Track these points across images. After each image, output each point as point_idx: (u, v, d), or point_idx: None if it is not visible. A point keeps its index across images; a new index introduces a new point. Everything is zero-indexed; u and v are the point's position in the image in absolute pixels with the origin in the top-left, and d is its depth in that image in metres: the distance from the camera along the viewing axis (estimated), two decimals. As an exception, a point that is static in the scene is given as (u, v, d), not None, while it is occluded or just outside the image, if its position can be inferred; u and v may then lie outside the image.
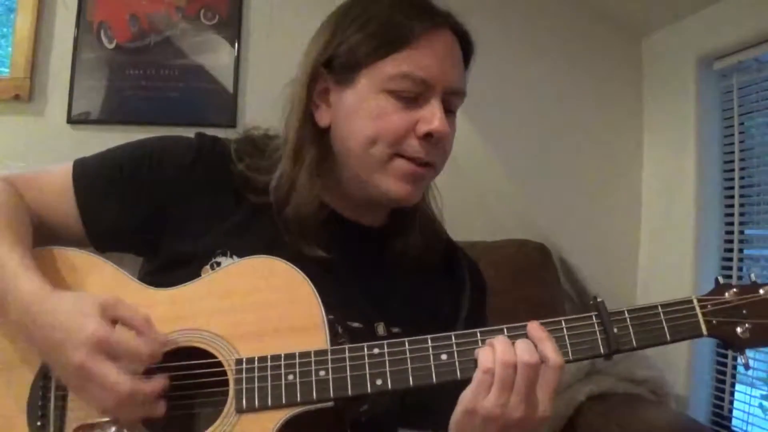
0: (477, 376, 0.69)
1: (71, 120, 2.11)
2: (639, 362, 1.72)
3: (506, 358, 0.68)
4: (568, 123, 2.21)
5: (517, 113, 2.19)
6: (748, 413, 1.79)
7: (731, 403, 1.85)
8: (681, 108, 2.01)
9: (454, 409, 0.73)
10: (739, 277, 1.89)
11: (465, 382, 0.71)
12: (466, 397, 0.70)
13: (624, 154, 2.24)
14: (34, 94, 2.12)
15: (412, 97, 0.80)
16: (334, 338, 0.78)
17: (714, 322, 0.72)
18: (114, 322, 0.70)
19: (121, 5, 2.15)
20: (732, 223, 1.91)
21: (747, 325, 0.71)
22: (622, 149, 2.24)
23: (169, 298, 0.78)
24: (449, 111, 0.84)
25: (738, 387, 1.85)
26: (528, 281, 1.95)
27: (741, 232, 1.91)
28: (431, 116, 0.79)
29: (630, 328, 0.72)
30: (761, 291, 0.72)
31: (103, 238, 0.86)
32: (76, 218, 0.85)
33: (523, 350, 0.69)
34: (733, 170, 1.92)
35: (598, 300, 0.73)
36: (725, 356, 1.86)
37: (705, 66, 1.95)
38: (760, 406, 1.79)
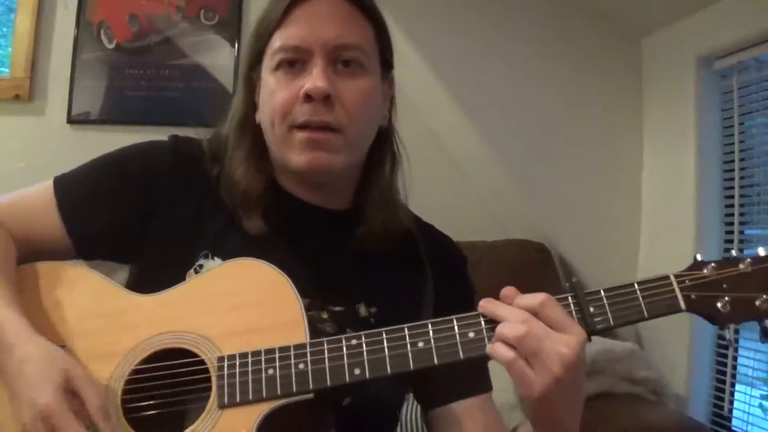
0: (509, 372, 0.69)
1: (71, 120, 2.12)
2: (639, 362, 1.72)
3: (517, 333, 0.67)
4: (568, 123, 2.21)
5: (517, 113, 2.19)
6: (748, 413, 1.80)
7: (731, 403, 1.85)
8: (681, 108, 2.01)
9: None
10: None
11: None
12: (523, 398, 0.69)
13: (624, 154, 2.24)
14: (34, 94, 2.12)
15: (296, 67, 0.82)
16: (317, 328, 0.79)
17: (693, 296, 0.71)
18: (75, 393, 0.70)
19: (121, 5, 2.15)
20: (732, 223, 1.92)
21: (727, 298, 0.70)
22: (622, 149, 2.24)
23: (154, 302, 0.80)
24: (345, 65, 0.82)
25: (738, 387, 1.86)
26: (528, 281, 1.93)
27: (741, 232, 1.91)
28: (309, 77, 0.80)
29: (606, 306, 0.71)
30: (740, 265, 0.71)
31: (88, 247, 0.87)
32: (62, 231, 0.86)
33: (514, 314, 0.68)
34: (733, 170, 1.92)
35: (574, 281, 0.74)
36: (725, 356, 1.86)
37: (705, 66, 1.95)
38: (760, 406, 1.79)
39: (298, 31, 0.81)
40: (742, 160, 1.91)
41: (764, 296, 0.69)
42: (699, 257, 0.73)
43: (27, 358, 0.70)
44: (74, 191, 0.87)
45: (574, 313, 0.71)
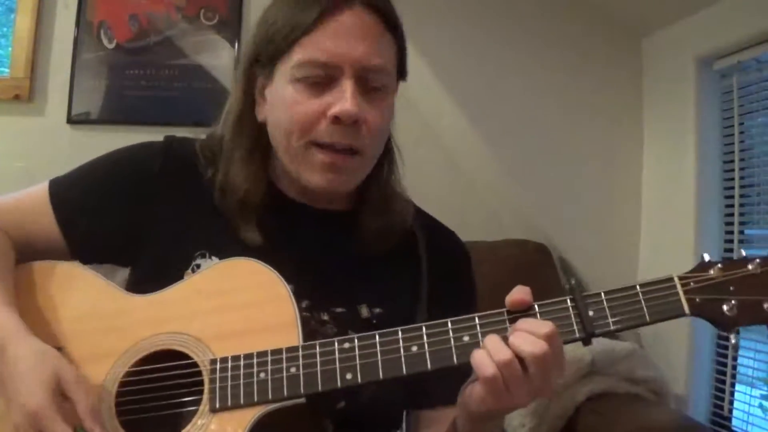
0: (481, 384, 0.68)
1: (71, 120, 2.11)
2: (639, 362, 1.72)
3: (503, 358, 0.66)
4: (568, 123, 2.21)
5: (517, 113, 2.19)
6: (748, 413, 1.79)
7: (731, 403, 1.85)
8: (681, 108, 2.01)
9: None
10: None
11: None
12: (478, 400, 0.69)
13: (624, 154, 2.24)
14: (34, 94, 2.12)
15: (320, 82, 0.78)
16: (317, 330, 0.79)
17: (697, 300, 0.67)
18: (66, 397, 0.70)
19: (121, 5, 2.15)
20: (732, 223, 1.91)
21: (734, 301, 0.66)
22: (622, 149, 2.24)
23: (149, 303, 0.79)
24: (373, 89, 0.80)
25: (738, 387, 1.85)
26: (528, 281, 1.94)
27: (741, 232, 1.91)
28: (339, 98, 0.77)
29: (606, 310, 0.69)
30: (750, 266, 0.67)
31: (84, 250, 0.87)
32: (57, 234, 0.86)
33: (523, 342, 0.66)
34: (733, 170, 1.92)
35: (573, 282, 0.72)
36: (725, 356, 1.86)
37: (705, 66, 1.95)
38: (760, 406, 1.79)
39: (329, 45, 0.78)
40: (742, 160, 1.91)
41: None
42: (707, 257, 0.70)
43: (20, 358, 0.70)
44: (69, 195, 0.87)
45: (572, 317, 0.69)
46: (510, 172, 2.21)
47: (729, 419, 1.84)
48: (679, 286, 0.69)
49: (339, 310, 0.84)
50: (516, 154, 2.20)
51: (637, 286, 0.69)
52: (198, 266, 0.84)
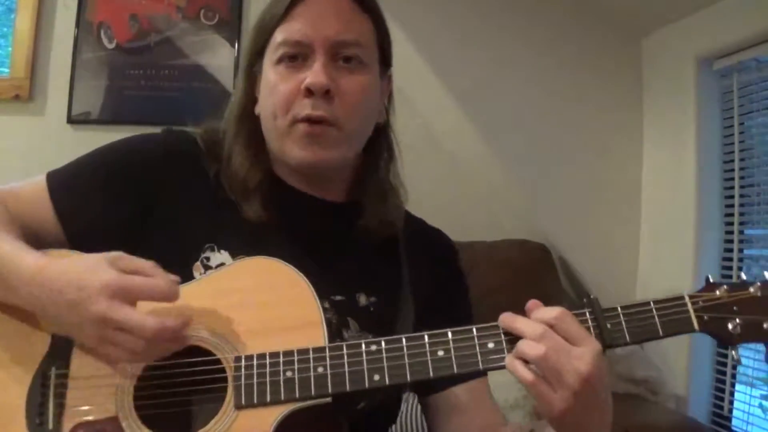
0: (529, 391, 0.69)
1: (71, 120, 2.12)
2: (639, 362, 1.73)
3: (536, 352, 0.67)
4: (568, 123, 2.22)
5: (517, 113, 2.19)
6: (748, 413, 1.80)
7: (731, 403, 1.85)
8: (681, 108, 2.01)
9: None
10: (739, 277, 1.89)
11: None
12: (543, 414, 0.69)
13: (624, 153, 2.24)
14: (34, 94, 2.12)
15: (297, 61, 0.83)
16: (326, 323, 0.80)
17: (705, 318, 0.73)
18: (121, 268, 0.71)
19: (121, 5, 2.15)
20: (732, 223, 1.92)
21: (738, 321, 0.73)
22: (622, 149, 2.25)
23: None
24: (345, 61, 0.84)
25: (738, 387, 1.86)
26: (528, 281, 1.96)
27: (741, 232, 1.91)
28: (310, 72, 0.82)
29: (623, 323, 0.73)
30: (751, 289, 0.73)
31: (84, 241, 0.86)
32: (55, 225, 0.86)
33: (533, 328, 0.69)
34: (733, 170, 1.92)
35: (592, 297, 0.75)
36: (725, 356, 1.86)
37: (705, 66, 1.95)
38: (760, 406, 1.79)
39: (300, 26, 0.83)
40: (742, 160, 1.91)
41: None
42: (711, 278, 0.76)
43: (64, 267, 0.71)
44: (67, 186, 0.87)
45: (591, 329, 0.72)
46: (510, 172, 2.21)
47: (729, 419, 1.84)
48: (689, 304, 0.74)
49: (338, 298, 0.85)
50: (516, 154, 2.20)
51: (651, 303, 0.74)
52: (207, 259, 0.84)
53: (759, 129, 1.94)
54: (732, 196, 1.92)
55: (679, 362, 1.89)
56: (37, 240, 0.84)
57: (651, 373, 1.73)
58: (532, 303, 0.73)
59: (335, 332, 0.82)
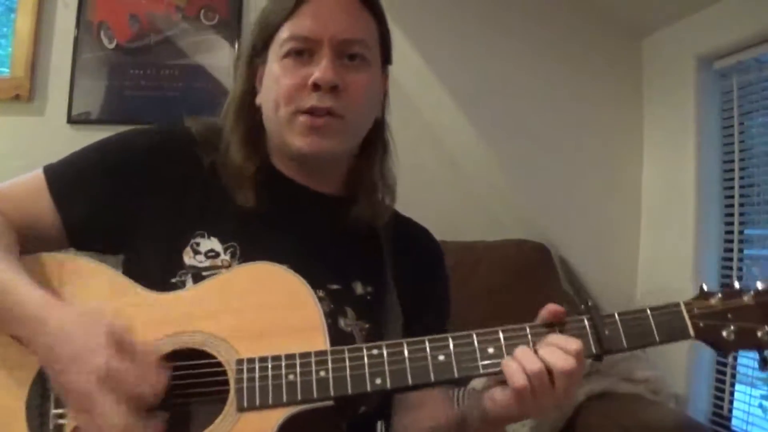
0: (513, 393, 0.72)
1: (71, 120, 2.12)
2: (639, 362, 1.73)
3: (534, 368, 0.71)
4: (568, 123, 2.22)
5: (517, 113, 2.19)
6: (748, 413, 1.80)
7: (731, 402, 1.85)
8: (681, 108, 2.01)
9: None
10: (739, 277, 1.89)
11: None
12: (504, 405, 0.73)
13: (624, 154, 2.24)
14: (34, 94, 2.12)
15: (303, 56, 0.86)
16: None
17: (701, 325, 0.75)
18: (119, 349, 0.69)
19: (122, 5, 2.15)
20: (732, 223, 1.92)
21: (732, 328, 0.74)
22: (622, 149, 2.25)
23: (170, 301, 0.79)
24: (351, 58, 0.87)
25: (738, 387, 1.86)
26: (528, 281, 1.96)
27: (741, 232, 1.91)
28: (317, 67, 0.84)
29: (620, 330, 0.75)
30: (745, 297, 0.75)
31: (83, 232, 0.88)
32: (55, 217, 0.86)
33: (555, 356, 0.71)
34: (733, 170, 1.92)
35: (590, 304, 0.77)
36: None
37: (705, 66, 1.95)
38: (760, 406, 1.79)
39: (309, 23, 0.85)
40: (742, 160, 1.91)
41: (766, 328, 0.74)
42: (705, 287, 0.77)
43: (64, 320, 0.70)
44: (65, 179, 0.88)
45: (590, 335, 0.75)
46: (510, 172, 2.21)
47: (729, 419, 1.84)
48: (685, 312, 0.76)
49: (334, 287, 0.87)
50: (516, 154, 2.20)
51: (648, 310, 0.76)
52: (197, 244, 0.85)
53: (759, 129, 1.94)
54: (732, 196, 1.92)
55: (679, 362, 1.89)
56: (35, 237, 0.85)
57: (651, 373, 1.72)
58: (554, 306, 0.75)
59: (333, 322, 0.83)
